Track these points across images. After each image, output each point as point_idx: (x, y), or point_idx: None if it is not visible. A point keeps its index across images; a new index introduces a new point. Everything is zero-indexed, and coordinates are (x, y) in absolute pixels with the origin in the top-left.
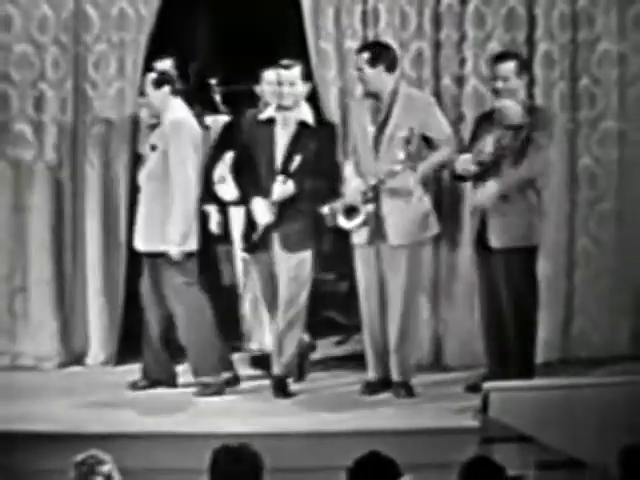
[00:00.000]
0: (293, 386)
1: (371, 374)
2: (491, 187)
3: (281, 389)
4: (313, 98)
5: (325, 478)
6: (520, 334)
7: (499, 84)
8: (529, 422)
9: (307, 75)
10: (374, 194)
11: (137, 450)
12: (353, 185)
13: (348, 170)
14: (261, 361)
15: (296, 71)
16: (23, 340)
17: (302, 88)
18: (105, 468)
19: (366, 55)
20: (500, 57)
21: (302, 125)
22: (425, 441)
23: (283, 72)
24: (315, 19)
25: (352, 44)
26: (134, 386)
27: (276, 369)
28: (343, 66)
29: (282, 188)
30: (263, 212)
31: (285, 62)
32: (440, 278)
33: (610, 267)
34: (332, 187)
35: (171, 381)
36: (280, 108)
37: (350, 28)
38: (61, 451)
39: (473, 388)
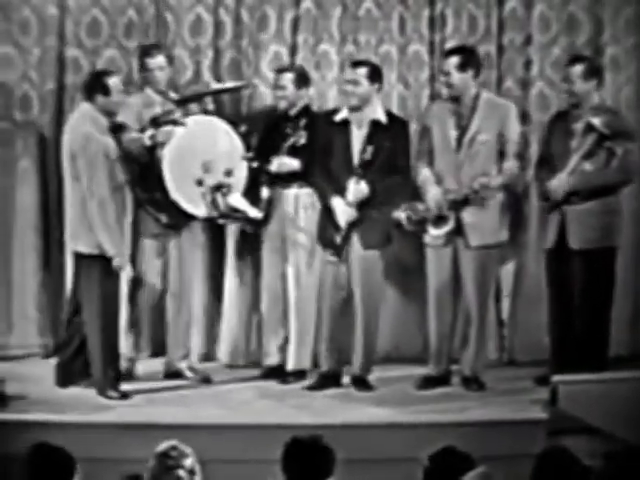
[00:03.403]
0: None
1: (432, 369)
2: (563, 181)
3: (363, 384)
4: None
5: (397, 469)
6: (595, 331)
7: (565, 86)
8: (597, 414)
9: (377, 75)
10: (462, 202)
11: (210, 441)
12: (434, 192)
13: (424, 174)
14: (273, 373)
15: (362, 70)
16: None
17: (368, 88)
18: (188, 462)
19: (455, 60)
20: (570, 60)
21: (375, 124)
22: (495, 433)
23: (348, 71)
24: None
25: (420, 48)
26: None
27: (359, 370)
28: (406, 70)
29: (356, 188)
30: (344, 212)
31: (354, 61)
32: (508, 276)
33: None
34: (407, 184)
35: None
36: (349, 108)
37: (417, 32)
38: (139, 441)
39: (542, 380)
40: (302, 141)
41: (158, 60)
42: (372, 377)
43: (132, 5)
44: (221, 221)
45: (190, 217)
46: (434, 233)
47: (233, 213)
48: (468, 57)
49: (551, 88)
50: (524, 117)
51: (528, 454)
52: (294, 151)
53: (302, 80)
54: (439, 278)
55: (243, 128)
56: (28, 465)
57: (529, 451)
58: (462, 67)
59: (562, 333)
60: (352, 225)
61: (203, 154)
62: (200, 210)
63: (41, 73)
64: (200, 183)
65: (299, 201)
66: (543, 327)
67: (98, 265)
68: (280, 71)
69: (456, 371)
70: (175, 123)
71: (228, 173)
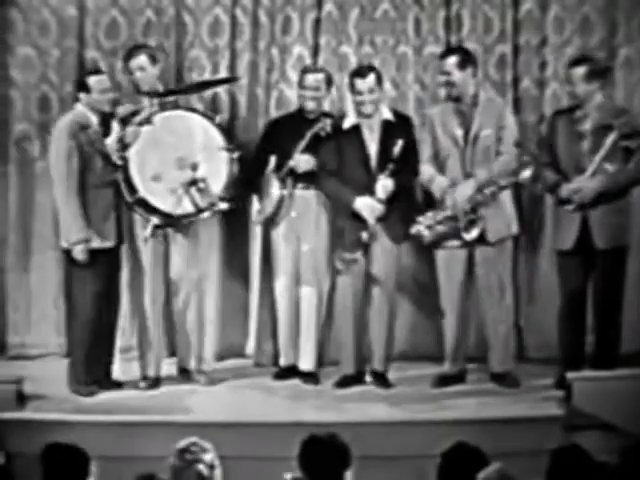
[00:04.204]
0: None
1: (449, 367)
2: (592, 182)
3: (383, 381)
4: None
5: (412, 466)
6: (610, 329)
7: (568, 88)
8: (611, 410)
9: (381, 78)
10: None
11: (227, 438)
12: (461, 193)
13: (428, 173)
14: (284, 374)
15: (372, 78)
16: None
17: (380, 94)
18: (208, 457)
19: (454, 59)
20: (573, 62)
21: (386, 123)
22: (511, 430)
23: (359, 81)
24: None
25: (435, 49)
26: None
27: (378, 366)
28: (422, 71)
29: (385, 184)
30: (372, 209)
31: (360, 69)
32: (522, 274)
33: None
34: (415, 176)
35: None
36: (361, 115)
37: (432, 33)
38: (155, 439)
39: (560, 384)
40: (328, 129)
41: (138, 61)
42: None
43: (150, 6)
44: (205, 215)
45: (182, 216)
46: (469, 238)
47: (211, 207)
48: (466, 56)
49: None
50: (541, 118)
51: (544, 450)
52: (316, 141)
53: (329, 81)
54: (453, 279)
55: (219, 119)
56: (43, 464)
57: (545, 447)
58: (462, 65)
59: (576, 332)
60: (379, 221)
61: (176, 150)
62: (173, 207)
63: (60, 74)
64: (157, 179)
65: (312, 202)
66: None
67: (70, 261)
68: (310, 72)
69: (475, 369)
70: (140, 123)
71: (194, 167)
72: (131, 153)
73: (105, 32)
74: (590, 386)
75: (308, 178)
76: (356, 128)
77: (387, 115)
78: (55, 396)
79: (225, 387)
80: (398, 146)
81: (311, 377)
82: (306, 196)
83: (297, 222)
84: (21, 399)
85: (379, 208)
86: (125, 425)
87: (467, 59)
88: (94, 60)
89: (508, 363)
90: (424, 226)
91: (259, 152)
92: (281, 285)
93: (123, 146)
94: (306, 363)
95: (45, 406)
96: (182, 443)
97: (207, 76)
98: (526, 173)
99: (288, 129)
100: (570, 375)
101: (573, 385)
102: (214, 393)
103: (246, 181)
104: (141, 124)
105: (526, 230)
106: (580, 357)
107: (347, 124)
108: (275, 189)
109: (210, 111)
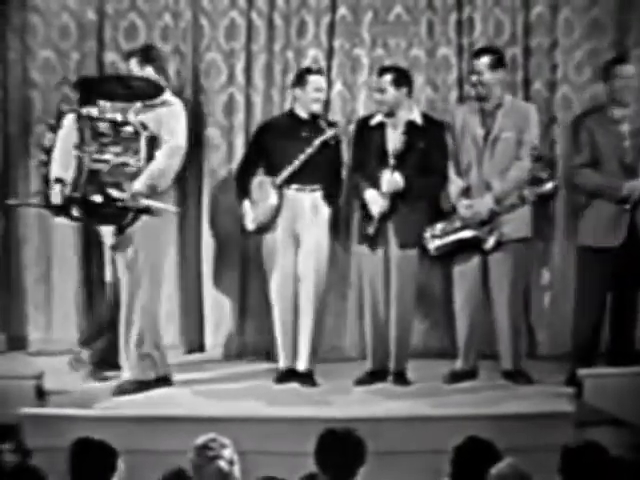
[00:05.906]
0: None
1: (461, 364)
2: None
3: (402, 380)
4: None
5: (426, 461)
6: (630, 325)
7: (621, 82)
8: (622, 407)
9: (404, 80)
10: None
11: (247, 433)
12: (478, 210)
13: (451, 173)
14: (287, 377)
15: (386, 78)
16: None
17: (395, 94)
18: (228, 452)
19: (486, 60)
20: (614, 60)
21: (411, 125)
22: (523, 426)
23: (375, 79)
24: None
25: (447, 51)
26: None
27: (395, 365)
28: (435, 73)
29: (390, 179)
30: (376, 202)
31: (380, 68)
32: (534, 272)
33: None
34: (442, 183)
35: None
36: (383, 114)
37: (445, 36)
38: (178, 433)
39: (571, 381)
40: (339, 139)
41: (130, 65)
42: None
43: (168, 10)
44: (72, 213)
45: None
46: (488, 247)
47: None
48: (499, 57)
49: (574, 91)
50: (551, 119)
51: (555, 446)
52: (325, 147)
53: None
54: (467, 277)
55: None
56: (71, 459)
57: (556, 443)
58: (493, 67)
59: (594, 329)
60: (385, 217)
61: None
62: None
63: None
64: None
65: (307, 203)
66: (569, 321)
67: None
68: (315, 73)
69: (487, 365)
70: (53, 129)
71: (44, 164)
72: (52, 157)
73: (124, 35)
74: (601, 383)
75: (302, 180)
76: (381, 125)
77: (413, 117)
78: (75, 392)
79: (243, 382)
80: (401, 143)
81: (308, 379)
82: (301, 197)
83: (293, 224)
84: (41, 395)
85: (382, 202)
86: (143, 420)
87: (499, 61)
88: (113, 63)
89: (518, 361)
90: (432, 236)
91: (249, 156)
92: (279, 287)
93: (45, 151)
94: (302, 364)
95: (65, 401)
96: (200, 439)
97: (224, 78)
98: (548, 186)
99: (281, 132)
100: (581, 372)
101: (584, 382)
102: (229, 388)
103: (237, 186)
104: (55, 130)
105: (539, 228)
106: (593, 354)
107: (374, 121)
108: (272, 197)
109: (225, 112)
